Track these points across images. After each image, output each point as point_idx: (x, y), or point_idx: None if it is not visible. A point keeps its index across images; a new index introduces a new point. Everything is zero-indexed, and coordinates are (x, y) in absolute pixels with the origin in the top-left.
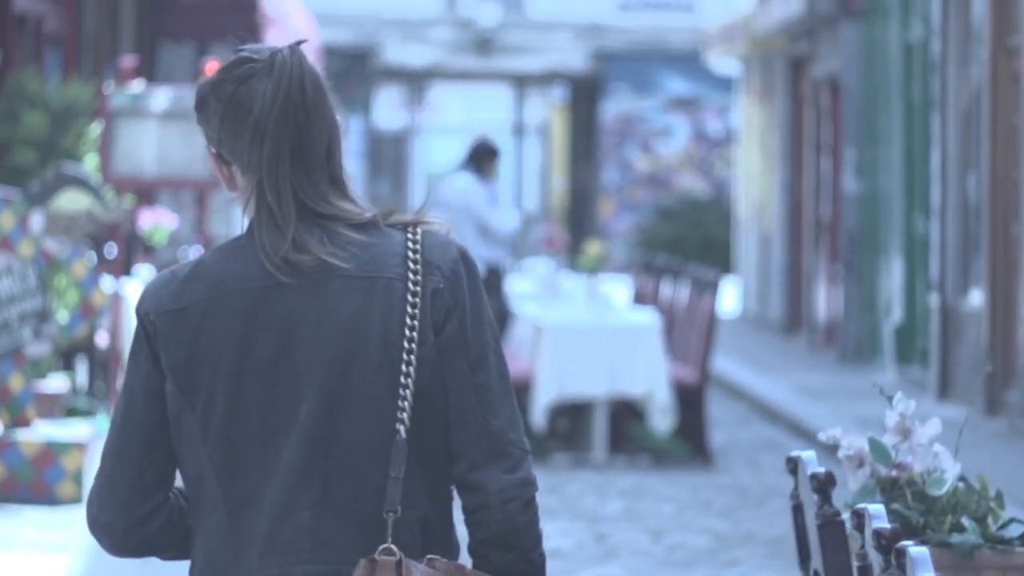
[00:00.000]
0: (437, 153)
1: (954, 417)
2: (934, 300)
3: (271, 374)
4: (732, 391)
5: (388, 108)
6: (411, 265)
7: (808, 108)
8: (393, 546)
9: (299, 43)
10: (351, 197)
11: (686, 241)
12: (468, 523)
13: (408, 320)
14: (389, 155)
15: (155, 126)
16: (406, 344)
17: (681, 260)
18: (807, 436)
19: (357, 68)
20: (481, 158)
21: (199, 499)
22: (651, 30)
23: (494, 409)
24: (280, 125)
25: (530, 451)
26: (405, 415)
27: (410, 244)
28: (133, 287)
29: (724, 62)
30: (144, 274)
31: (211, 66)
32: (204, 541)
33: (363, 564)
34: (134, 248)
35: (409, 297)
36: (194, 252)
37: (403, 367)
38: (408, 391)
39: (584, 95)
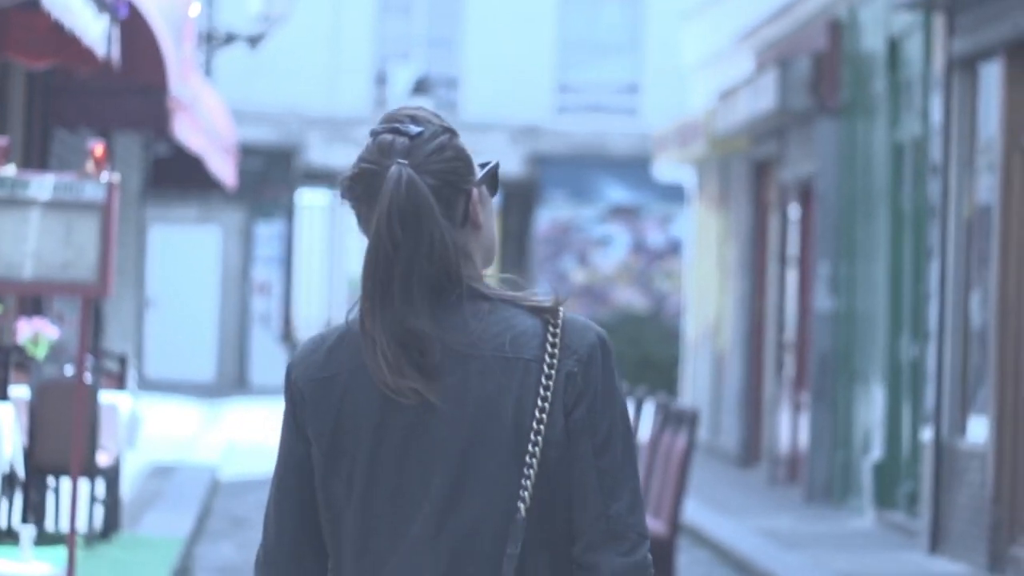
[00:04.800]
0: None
1: (950, 573)
2: (928, 435)
3: (406, 446)
4: (690, 534)
5: (311, 211)
6: (549, 348)
7: (773, 216)
8: None
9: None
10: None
11: (623, 359)
12: None
13: (540, 402)
14: (312, 261)
15: (36, 218)
16: (535, 425)
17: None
18: None
19: (278, 169)
20: None
21: (337, 565)
22: (591, 134)
23: (615, 493)
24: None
25: (648, 537)
26: (527, 494)
27: (551, 328)
28: (4, 410)
29: (670, 168)
30: (18, 393)
31: (98, 149)
32: None
33: None
34: (7, 363)
35: (543, 380)
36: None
37: (529, 447)
38: (532, 471)
39: (518, 201)
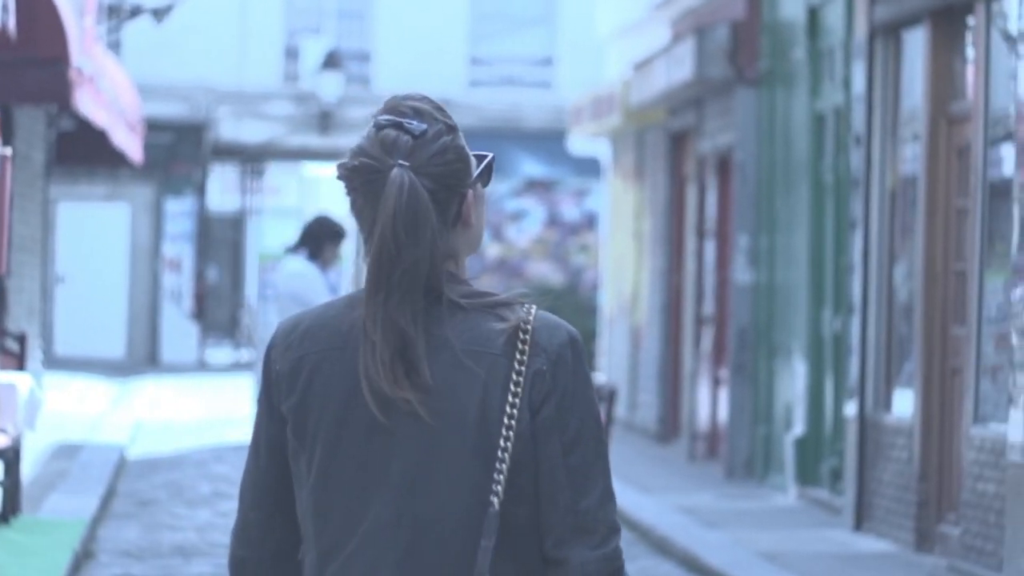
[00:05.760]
0: (274, 236)
1: (876, 551)
2: (851, 410)
3: (370, 429)
4: None
5: (221, 187)
6: (519, 345)
7: (691, 188)
8: None
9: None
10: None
11: None
12: None
13: (510, 398)
14: (222, 238)
15: None
16: (506, 420)
17: None
18: (707, 573)
19: (188, 144)
20: (320, 240)
21: (305, 539)
22: (504, 107)
23: (584, 489)
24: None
25: (619, 529)
26: (500, 487)
27: (522, 325)
28: None
29: (585, 141)
30: None
31: None
32: None
33: None
34: None
35: (513, 376)
36: None
37: (501, 441)
38: (504, 465)
39: None
